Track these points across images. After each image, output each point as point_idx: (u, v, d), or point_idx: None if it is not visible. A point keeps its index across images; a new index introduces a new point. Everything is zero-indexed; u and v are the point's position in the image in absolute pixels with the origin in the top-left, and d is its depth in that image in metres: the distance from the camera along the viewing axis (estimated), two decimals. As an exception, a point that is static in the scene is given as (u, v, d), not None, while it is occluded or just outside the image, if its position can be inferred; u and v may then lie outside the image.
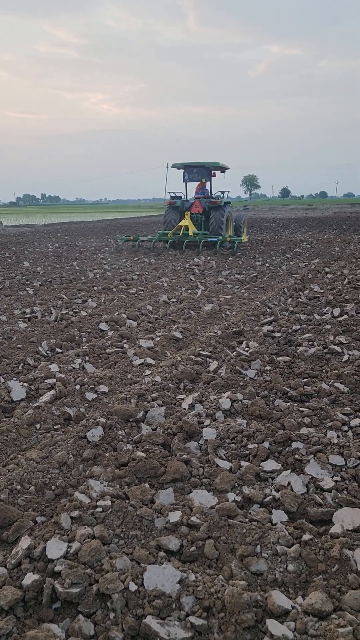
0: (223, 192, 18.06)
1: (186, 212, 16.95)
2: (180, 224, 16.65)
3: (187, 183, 18.31)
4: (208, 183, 18.23)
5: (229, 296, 8.51)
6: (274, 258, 13.80)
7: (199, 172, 17.99)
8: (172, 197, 17.99)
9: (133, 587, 2.04)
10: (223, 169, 18.63)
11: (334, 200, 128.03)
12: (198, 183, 18.07)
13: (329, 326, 6.15)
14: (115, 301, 8.37)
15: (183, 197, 18.13)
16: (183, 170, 18.14)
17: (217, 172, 18.52)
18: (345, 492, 2.73)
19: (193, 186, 18.30)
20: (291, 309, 7.29)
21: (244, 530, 2.39)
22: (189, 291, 9.11)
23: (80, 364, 5.06)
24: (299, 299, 7.97)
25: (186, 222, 16.56)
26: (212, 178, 18.34)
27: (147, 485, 2.88)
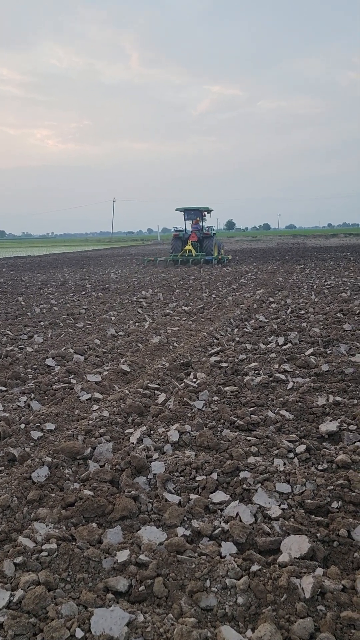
0: (209, 227, 27.46)
1: (188, 241, 25.61)
2: (185, 248, 25.32)
3: (186, 221, 27.60)
4: (200, 220, 27.19)
5: (176, 328, 8.57)
6: (220, 289, 14.07)
7: (195, 213, 27.35)
8: (176, 231, 27.16)
9: (80, 633, 1.97)
10: (209, 211, 28.01)
11: (277, 232, 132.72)
12: (194, 219, 27.12)
13: (273, 355, 6.29)
14: (62, 336, 8.25)
15: (183, 230, 27.06)
16: (183, 212, 27.36)
17: (206, 213, 27.66)
18: (292, 519, 2.76)
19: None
20: (237, 339, 7.42)
21: (193, 565, 2.37)
22: (137, 324, 9.12)
23: (25, 401, 4.93)
24: (245, 329, 8.14)
25: (189, 247, 25.21)
26: (203, 217, 27.41)
27: (94, 524, 2.81)
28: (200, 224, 27.29)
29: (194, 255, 24.83)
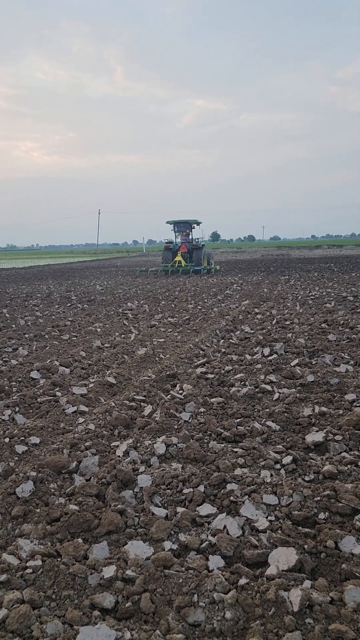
0: (198, 239, 29.37)
1: (178, 252, 27.09)
2: (175, 259, 26.79)
3: (176, 233, 29.30)
4: (189, 232, 29.10)
5: (162, 339, 8.56)
6: (205, 300, 14.10)
7: (185, 226, 28.93)
8: (166, 242, 28.91)
9: (65, 652, 1.93)
10: (198, 223, 29.54)
11: (261, 244, 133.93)
12: (184, 231, 28.79)
13: (259, 366, 6.31)
14: (47, 348, 8.19)
15: (174, 242, 28.80)
16: (173, 224, 29.03)
17: (195, 225, 29.31)
18: (279, 531, 2.75)
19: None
20: (223, 350, 7.43)
21: (181, 580, 2.34)
22: (123, 336, 9.09)
23: (10, 415, 4.86)
24: (231, 340, 8.15)
25: (179, 258, 26.78)
26: (192, 229, 29.24)
27: (80, 540, 2.77)
28: (190, 236, 29.05)
29: (183, 265, 26.25)
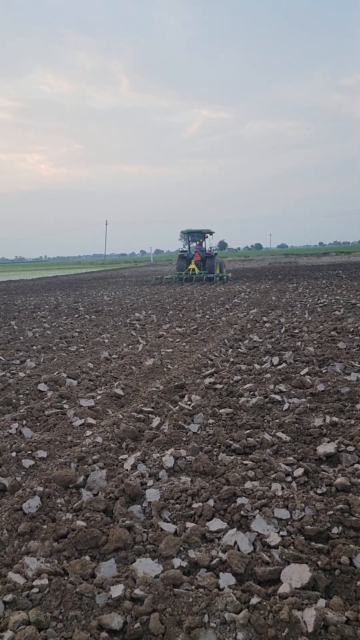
0: (211, 247, 31.04)
1: (192, 260, 28.35)
2: (189, 267, 28.04)
3: (190, 242, 30.98)
4: (202, 241, 30.72)
5: (170, 350, 8.50)
6: (213, 309, 14.04)
7: (198, 235, 30.53)
8: (181, 251, 30.67)
9: None
10: (211, 233, 31.03)
11: (269, 252, 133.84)
12: (198, 241, 30.54)
13: (268, 375, 6.23)
14: (55, 360, 8.16)
15: (187, 250, 30.30)
16: (187, 234, 30.77)
17: (208, 235, 30.77)
18: (292, 547, 2.67)
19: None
20: (232, 359, 7.36)
21: (191, 599, 2.27)
22: (130, 346, 9.05)
23: (17, 428, 4.82)
24: (239, 350, 8.08)
25: (193, 266, 28.01)
26: (205, 239, 30.82)
27: (87, 557, 2.71)
28: (203, 244, 30.63)
29: (197, 273, 27.44)
